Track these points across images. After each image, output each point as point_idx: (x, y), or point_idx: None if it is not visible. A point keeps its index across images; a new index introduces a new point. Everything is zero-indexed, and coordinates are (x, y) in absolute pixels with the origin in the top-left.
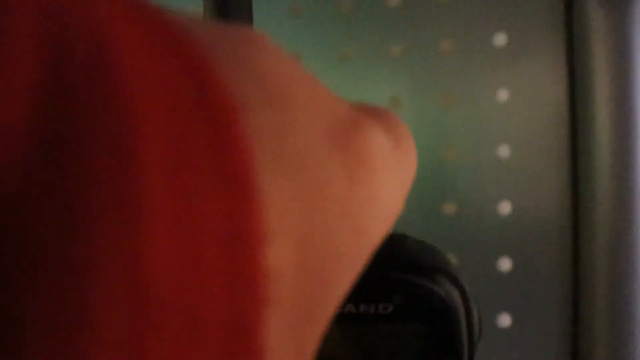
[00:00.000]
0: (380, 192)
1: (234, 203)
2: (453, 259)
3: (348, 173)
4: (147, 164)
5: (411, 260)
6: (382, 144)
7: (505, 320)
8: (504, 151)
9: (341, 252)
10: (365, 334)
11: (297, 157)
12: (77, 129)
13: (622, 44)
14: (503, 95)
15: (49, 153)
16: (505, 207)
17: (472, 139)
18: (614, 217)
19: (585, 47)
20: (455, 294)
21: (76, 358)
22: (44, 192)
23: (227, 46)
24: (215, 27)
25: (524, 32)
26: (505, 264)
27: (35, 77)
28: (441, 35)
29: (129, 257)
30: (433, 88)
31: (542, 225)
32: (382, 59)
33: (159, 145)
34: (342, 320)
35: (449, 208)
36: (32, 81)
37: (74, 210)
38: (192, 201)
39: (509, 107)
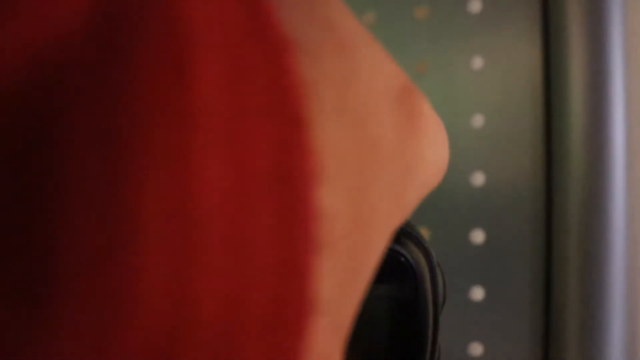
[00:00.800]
0: (425, 157)
1: (286, 135)
2: (425, 231)
3: (402, 132)
4: (200, 83)
5: None
6: (430, 108)
7: (478, 293)
8: (477, 121)
9: (384, 212)
10: None
11: (358, 107)
12: (133, 38)
13: (597, 12)
14: (477, 63)
15: (103, 55)
16: (478, 178)
17: (445, 108)
18: (588, 187)
19: (561, 15)
20: (419, 256)
21: (120, 279)
22: (93, 97)
23: None
24: None
25: None
26: (478, 237)
27: None
28: (415, 1)
29: (178, 174)
30: (406, 55)
31: (516, 197)
32: None
33: (213, 68)
34: None
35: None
36: None
37: (124, 117)
38: (244, 126)
39: (484, 76)
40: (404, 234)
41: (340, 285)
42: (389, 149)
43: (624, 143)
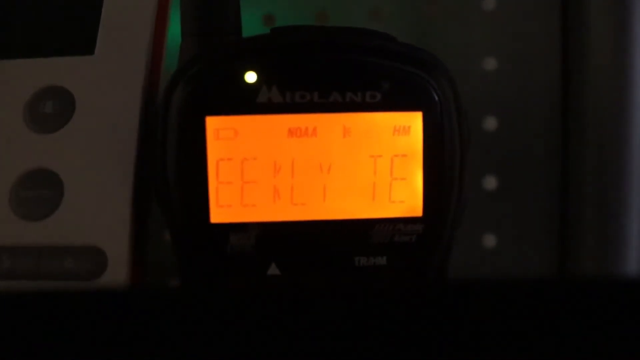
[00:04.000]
0: None
1: None
2: None
3: None
4: None
5: (401, 50)
6: None
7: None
8: (490, 64)
9: None
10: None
11: None
12: None
13: None
14: (490, 4)
15: None
16: (491, 123)
17: (457, 51)
18: (606, 119)
19: None
20: (446, 84)
21: None
22: None
23: None
24: None
25: None
26: (490, 183)
27: None
28: None
29: None
30: None
31: (531, 135)
32: None
33: None
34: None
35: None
36: None
37: None
38: None
39: (496, 17)
40: (428, 60)
41: None
42: None
43: None
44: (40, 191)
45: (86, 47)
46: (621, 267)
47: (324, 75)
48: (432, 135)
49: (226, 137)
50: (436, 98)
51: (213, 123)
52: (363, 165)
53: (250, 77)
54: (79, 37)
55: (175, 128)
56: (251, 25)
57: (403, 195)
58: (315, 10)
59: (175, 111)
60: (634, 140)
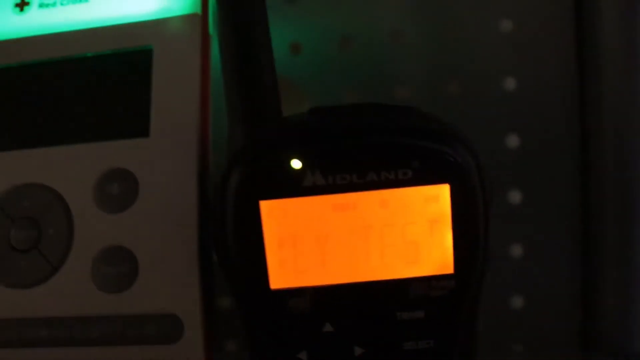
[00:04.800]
0: None
1: None
2: None
3: None
4: None
5: (426, 128)
6: None
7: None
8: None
9: None
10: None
11: None
12: None
13: None
14: (507, 25)
15: None
16: (510, 83)
17: (477, 72)
18: (621, 85)
19: None
20: (469, 158)
21: None
22: None
23: None
24: None
25: None
26: (513, 141)
27: None
28: None
29: None
30: None
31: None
32: None
33: None
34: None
35: (454, 88)
36: None
37: None
38: None
39: (514, 38)
40: (451, 136)
41: None
42: None
43: None
44: (118, 267)
45: (141, 129)
46: None
47: (361, 158)
48: (459, 202)
49: (278, 216)
50: (461, 171)
51: (266, 206)
52: (399, 232)
53: (296, 164)
54: (134, 120)
55: (232, 209)
56: (278, 52)
57: (435, 255)
58: (339, 37)
59: (232, 195)
60: None
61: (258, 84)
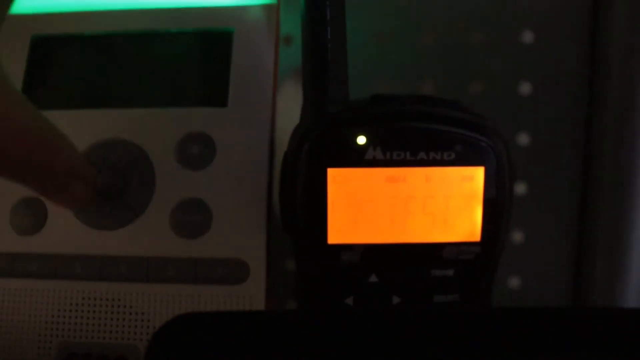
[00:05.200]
0: None
1: None
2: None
3: None
4: None
5: (468, 119)
6: None
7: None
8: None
9: None
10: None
11: None
12: None
13: None
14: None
15: None
16: (528, 36)
17: (494, 77)
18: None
19: None
20: (502, 147)
21: None
22: None
23: None
24: None
25: None
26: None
27: None
28: None
29: None
30: None
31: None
32: None
33: None
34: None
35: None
36: None
37: None
38: None
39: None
40: (488, 128)
41: None
42: None
43: None
44: (195, 216)
45: (221, 99)
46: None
47: (414, 140)
48: (490, 183)
49: (342, 182)
50: (494, 157)
51: (332, 173)
52: (438, 204)
53: (361, 140)
54: (215, 91)
55: (303, 175)
56: None
57: (466, 225)
58: (371, 34)
59: (304, 162)
60: None
61: (331, 72)
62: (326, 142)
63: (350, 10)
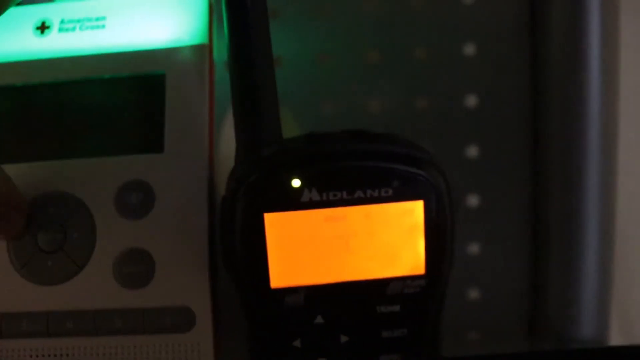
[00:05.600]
0: None
1: None
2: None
3: None
4: None
5: (405, 154)
6: None
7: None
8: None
9: None
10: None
11: None
12: None
13: None
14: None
15: None
16: (470, 48)
17: (441, 91)
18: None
19: None
20: (440, 179)
21: None
22: None
23: None
24: None
25: None
26: (473, 201)
27: None
28: None
29: None
30: None
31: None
32: None
33: None
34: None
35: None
36: None
37: None
38: None
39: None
40: (425, 161)
41: None
42: None
43: None
44: (138, 266)
45: (157, 145)
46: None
47: (350, 179)
48: (430, 216)
49: (280, 226)
50: (432, 190)
51: (270, 218)
52: (380, 240)
53: (296, 182)
54: (150, 137)
55: (241, 220)
56: None
57: (410, 259)
58: (317, 52)
59: (240, 208)
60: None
61: (262, 113)
62: (261, 187)
63: (293, 32)
